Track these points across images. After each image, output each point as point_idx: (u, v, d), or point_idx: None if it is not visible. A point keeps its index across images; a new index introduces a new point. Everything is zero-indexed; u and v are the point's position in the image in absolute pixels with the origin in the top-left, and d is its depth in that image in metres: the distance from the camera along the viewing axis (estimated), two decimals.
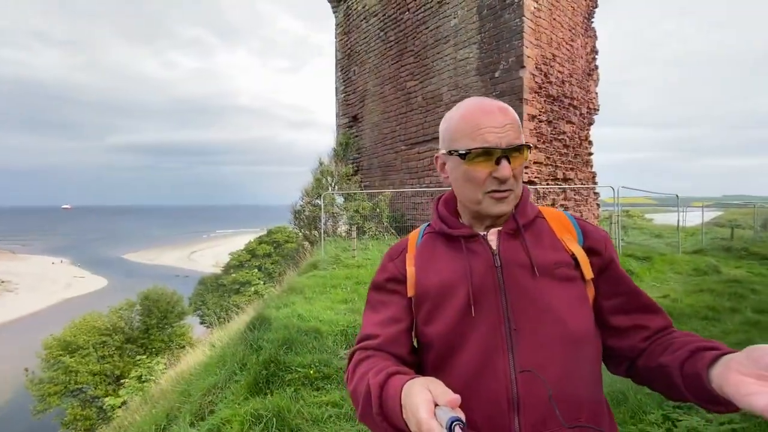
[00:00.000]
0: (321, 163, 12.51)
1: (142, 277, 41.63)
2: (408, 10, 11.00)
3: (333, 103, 14.18)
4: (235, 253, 31.11)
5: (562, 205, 10.24)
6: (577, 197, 10.49)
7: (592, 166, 11.10)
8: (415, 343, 0.90)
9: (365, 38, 12.59)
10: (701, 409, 2.42)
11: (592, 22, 11.33)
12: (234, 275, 27.29)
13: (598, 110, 11.59)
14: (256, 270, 27.58)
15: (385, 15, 11.77)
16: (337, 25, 13.94)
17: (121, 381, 13.48)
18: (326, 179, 12.11)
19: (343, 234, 11.15)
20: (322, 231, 8.85)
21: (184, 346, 15.35)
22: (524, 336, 0.76)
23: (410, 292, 0.87)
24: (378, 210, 10.25)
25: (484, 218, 0.86)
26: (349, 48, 13.38)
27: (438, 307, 0.82)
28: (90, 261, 61.84)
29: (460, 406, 0.59)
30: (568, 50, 10.26)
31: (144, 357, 13.79)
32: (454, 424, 0.54)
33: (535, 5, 9.02)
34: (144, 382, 9.19)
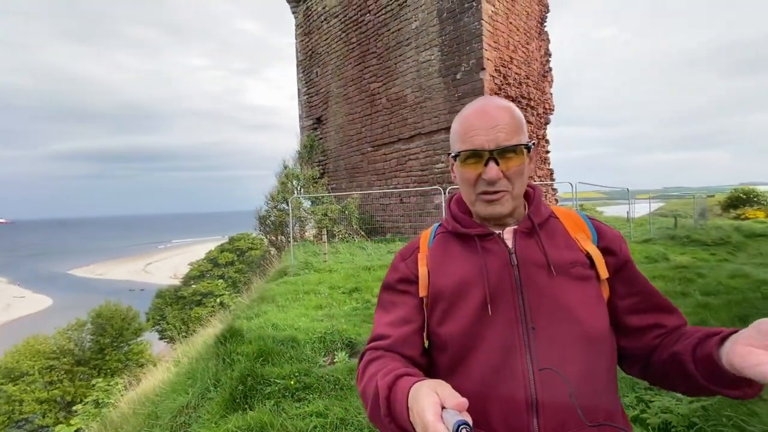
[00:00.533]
0: (285, 167, 12.23)
1: (92, 293, 38.74)
2: (369, 12, 11.02)
3: (296, 105, 13.93)
4: (195, 263, 29.76)
5: None
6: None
7: (549, 164, 11.64)
8: (426, 345, 0.88)
9: (326, 39, 12.46)
10: (672, 391, 2.58)
11: (545, 26, 11.88)
12: (195, 286, 26.08)
13: (553, 110, 12.16)
14: (219, 280, 26.51)
15: (346, 16, 11.71)
16: (296, 26, 13.71)
17: (74, 408, 12.46)
18: (292, 183, 11.86)
19: (312, 238, 10.96)
20: (292, 236, 8.63)
21: (143, 365, 14.44)
22: (542, 335, 0.76)
23: (422, 293, 0.86)
24: (347, 212, 10.16)
25: (486, 218, 0.86)
26: (310, 49, 13.19)
27: (453, 307, 0.81)
28: (31, 279, 56.77)
29: (473, 408, 0.58)
30: (524, 53, 10.69)
31: (99, 379, 12.84)
32: (461, 427, 0.53)
33: (493, 9, 9.32)
34: (101, 406, 8.53)
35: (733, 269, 6.85)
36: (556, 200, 11.65)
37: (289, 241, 8.64)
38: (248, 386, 3.01)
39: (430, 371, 0.86)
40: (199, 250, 45.76)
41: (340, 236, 9.85)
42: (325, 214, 10.16)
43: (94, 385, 10.71)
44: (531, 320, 0.77)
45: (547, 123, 11.52)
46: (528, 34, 10.85)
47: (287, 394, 2.96)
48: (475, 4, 8.94)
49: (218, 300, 22.36)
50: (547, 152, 11.62)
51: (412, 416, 0.61)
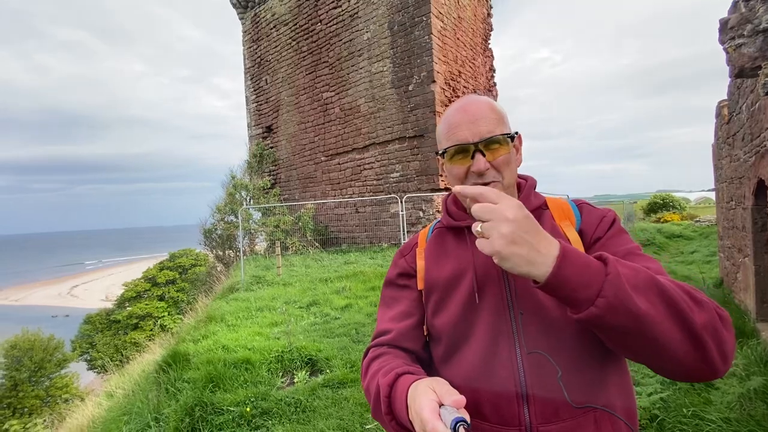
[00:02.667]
0: (233, 177, 11.64)
1: (6, 322, 34.04)
2: (320, 21, 10.93)
3: (243, 115, 13.39)
4: (131, 283, 27.26)
5: None
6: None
7: None
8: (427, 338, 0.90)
9: (276, 47, 12.17)
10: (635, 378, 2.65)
11: (489, 43, 12.53)
12: (130, 309, 23.83)
13: None
14: (158, 301, 24.49)
15: (296, 25, 11.53)
16: (244, 32, 13.27)
17: None
18: (240, 194, 11.30)
19: (263, 251, 10.45)
20: (242, 250, 8.15)
21: (68, 400, 12.81)
22: (530, 321, 0.75)
23: (420, 285, 0.88)
24: (301, 223, 9.84)
25: None
26: (258, 56, 12.80)
27: (445, 298, 0.83)
28: None
29: (466, 397, 0.60)
30: (471, 68, 11.15)
31: (14, 421, 11.16)
32: (458, 424, 0.54)
33: (441, 24, 9.64)
34: None
35: None
36: None
37: (239, 256, 8.15)
38: (196, 417, 2.70)
39: (431, 363, 0.87)
40: (136, 269, 42.20)
41: (294, 248, 9.50)
42: (278, 226, 9.75)
43: (7, 430, 9.31)
44: (518, 307, 0.77)
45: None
46: (474, 50, 11.36)
47: (242, 422, 2.68)
48: (425, 19, 9.19)
49: (158, 323, 20.63)
50: None
51: (410, 414, 0.62)
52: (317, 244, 9.81)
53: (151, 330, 20.88)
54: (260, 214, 10.93)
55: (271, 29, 12.24)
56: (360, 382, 3.36)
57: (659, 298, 0.60)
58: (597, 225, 0.83)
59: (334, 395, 2.99)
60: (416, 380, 0.66)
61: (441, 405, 0.59)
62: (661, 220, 19.56)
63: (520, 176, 0.89)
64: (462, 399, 0.58)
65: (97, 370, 19.35)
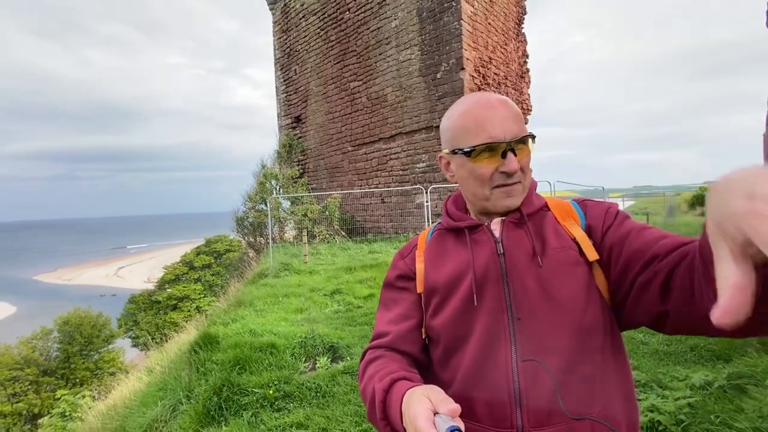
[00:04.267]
0: (264, 167, 11.95)
1: (59, 299, 36.93)
2: (348, 9, 10.88)
3: (274, 104, 13.64)
4: (170, 266, 28.77)
5: None
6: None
7: None
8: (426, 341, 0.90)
9: (305, 37, 12.25)
10: (657, 388, 2.57)
11: (523, 27, 12.04)
12: (170, 290, 25.20)
13: (531, 111, 12.35)
14: (195, 283, 25.74)
15: (324, 14, 11.53)
16: (274, 23, 13.43)
17: (39, 420, 11.79)
18: (270, 183, 11.59)
19: (291, 239, 10.73)
20: (271, 237, 8.40)
21: (114, 373, 13.83)
22: (527, 324, 0.75)
23: (419, 288, 0.87)
24: (327, 213, 10.00)
25: (491, 214, 0.85)
26: (288, 47, 12.94)
27: (445, 299, 0.82)
28: None
29: (461, 400, 0.60)
30: (503, 54, 10.79)
31: (65, 390, 12.19)
32: None
33: (472, 9, 9.35)
34: (68, 419, 8.07)
35: None
36: None
37: (268, 243, 8.41)
38: (223, 397, 2.86)
39: (430, 366, 0.87)
40: (174, 252, 44.41)
41: (321, 237, 9.69)
42: (305, 215, 9.96)
43: (59, 398, 10.17)
44: (516, 310, 0.76)
45: (525, 123, 11.68)
46: (506, 35, 10.97)
47: (266, 404, 2.82)
48: (454, 4, 8.94)
49: (194, 304, 21.72)
50: None
51: (405, 421, 0.62)
52: (343, 233, 9.96)
53: (189, 311, 22.04)
54: (289, 203, 11.19)
55: (300, 19, 12.31)
56: None
57: None
58: (604, 216, 0.81)
59: (353, 382, 3.08)
60: (412, 387, 0.66)
61: (436, 413, 0.58)
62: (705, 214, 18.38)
63: None
64: (457, 408, 0.58)
65: (140, 346, 20.71)
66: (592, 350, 0.75)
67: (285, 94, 13.20)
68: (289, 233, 11.37)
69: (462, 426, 0.56)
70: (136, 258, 75.89)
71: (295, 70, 12.71)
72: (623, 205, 17.38)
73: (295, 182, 11.67)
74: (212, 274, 26.33)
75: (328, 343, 3.74)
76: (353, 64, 10.82)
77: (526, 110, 11.80)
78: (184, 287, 25.04)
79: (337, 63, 11.23)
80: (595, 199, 0.88)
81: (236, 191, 11.83)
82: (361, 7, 10.54)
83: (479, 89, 9.55)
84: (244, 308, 5.12)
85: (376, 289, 5.46)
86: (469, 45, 9.15)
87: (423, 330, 0.87)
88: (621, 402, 0.76)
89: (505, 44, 10.89)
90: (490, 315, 0.77)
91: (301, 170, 12.45)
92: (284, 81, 13.18)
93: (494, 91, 10.60)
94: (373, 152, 10.50)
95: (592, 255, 0.78)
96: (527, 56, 12.37)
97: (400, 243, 8.78)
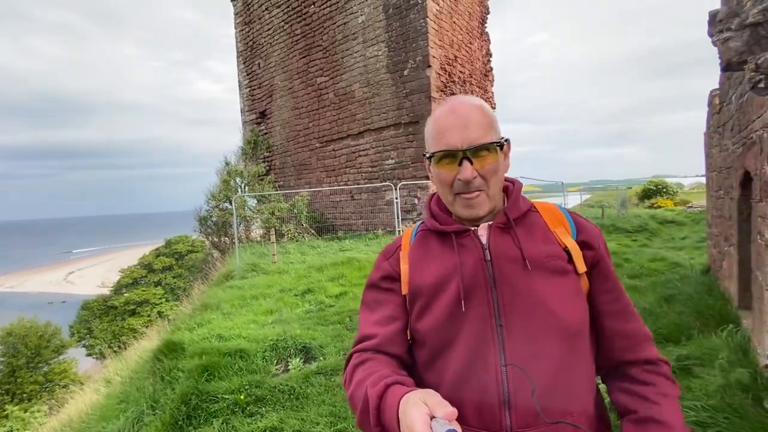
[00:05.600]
0: (228, 164, 11.53)
1: (1, 308, 34.09)
2: (313, 3, 10.67)
3: (238, 99, 13.20)
4: (127, 269, 27.27)
5: None
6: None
7: None
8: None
9: (269, 30, 11.91)
10: None
11: (486, 27, 12.31)
12: (127, 295, 23.91)
13: (495, 108, 12.68)
14: (155, 287, 24.56)
15: (288, 7, 11.26)
16: (236, 14, 12.96)
17: None
18: (235, 181, 11.21)
19: (258, 239, 10.45)
20: (236, 237, 8.14)
21: (67, 386, 12.95)
22: (514, 329, 0.76)
23: (404, 290, 0.87)
24: (296, 211, 9.82)
25: (464, 219, 0.85)
26: (251, 39, 12.53)
27: (430, 303, 0.82)
28: None
29: (449, 402, 0.61)
30: (468, 52, 10.99)
31: (13, 406, 11.28)
32: None
33: (437, 8, 9.44)
34: None
35: (652, 253, 7.59)
36: None
37: (234, 243, 8.15)
38: (192, 406, 2.74)
39: (414, 368, 0.87)
40: (132, 255, 42.14)
41: (290, 236, 9.50)
42: (273, 213, 9.73)
43: (7, 415, 9.41)
44: (503, 316, 0.77)
45: (493, 129, 11.98)
46: (470, 34, 11.17)
47: (237, 410, 2.73)
48: (420, 2, 9.00)
49: (155, 309, 20.74)
50: None
51: (401, 427, 0.61)
52: (313, 232, 9.82)
53: (149, 316, 21.01)
54: (255, 201, 10.89)
55: (264, 11, 11.95)
56: None
57: None
58: (599, 241, 0.85)
59: (327, 382, 3.05)
60: (407, 392, 0.65)
61: (432, 417, 0.59)
62: (655, 206, 19.70)
63: (506, 179, 0.88)
64: (454, 411, 0.58)
65: (95, 356, 19.53)
66: (578, 354, 0.77)
67: (249, 89, 12.80)
68: (256, 232, 11.06)
69: (459, 429, 0.56)
70: (89, 261, 71.30)
71: (259, 63, 12.35)
72: (581, 198, 18.27)
73: (261, 180, 11.36)
74: (174, 277, 25.24)
75: (300, 344, 3.68)
76: (319, 59, 10.65)
77: (491, 108, 12.11)
78: (143, 291, 23.83)
79: (303, 57, 11.02)
80: (582, 216, 0.90)
81: (198, 189, 11.37)
82: (326, 2, 10.38)
83: (445, 87, 9.68)
84: (211, 312, 4.94)
85: (348, 288, 5.43)
86: (435, 43, 9.25)
87: (408, 332, 0.87)
88: (593, 399, 0.81)
89: (470, 43, 11.10)
90: (477, 320, 0.77)
91: (267, 167, 12.14)
92: (247, 75, 12.78)
93: (459, 89, 10.76)
94: (341, 149, 10.41)
95: (581, 267, 0.81)
96: (490, 55, 12.67)
97: (371, 240, 8.77)
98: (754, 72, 1.61)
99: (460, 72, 10.42)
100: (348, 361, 0.86)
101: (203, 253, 16.51)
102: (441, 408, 0.59)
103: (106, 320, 22.38)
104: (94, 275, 53.90)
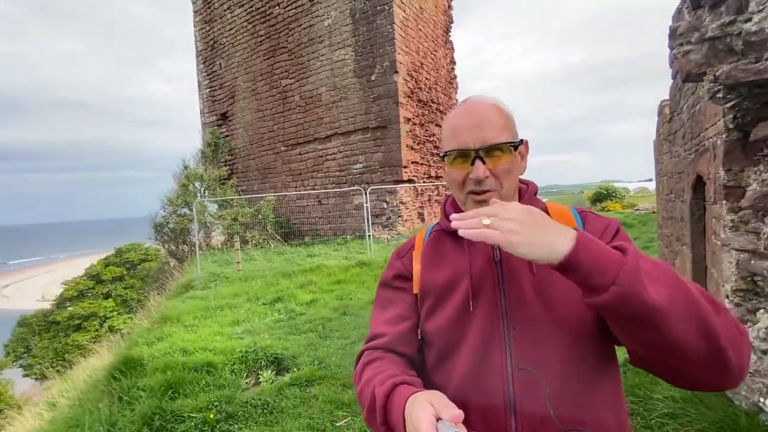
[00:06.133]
0: (186, 167, 11.00)
1: None
2: (278, 5, 10.47)
3: (195, 99, 12.65)
4: (71, 281, 25.20)
5: (436, 201, 11.16)
6: (448, 193, 11.65)
7: None
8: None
9: (231, 30, 11.54)
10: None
11: (450, 35, 12.63)
12: (72, 309, 22.09)
13: None
14: (105, 299, 22.87)
15: (252, 7, 10.97)
16: (195, 12, 12.45)
17: None
18: (194, 185, 10.71)
19: (220, 246, 10.01)
20: (197, 244, 7.75)
21: (2, 410, 11.69)
22: (522, 332, 0.75)
23: (416, 289, 0.86)
24: (261, 216, 9.51)
25: None
26: (211, 39, 12.08)
27: (439, 303, 0.82)
28: None
29: (455, 404, 0.60)
30: (433, 59, 11.21)
31: None
32: None
33: (404, 15, 9.57)
34: None
35: None
36: None
37: (194, 251, 7.75)
38: (155, 427, 2.54)
39: (423, 369, 0.86)
40: (77, 265, 39.10)
41: (254, 242, 9.19)
42: (236, 219, 9.37)
43: None
44: (511, 318, 0.76)
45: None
46: (435, 42, 11.41)
47: (206, 428, 2.56)
48: (387, 8, 9.07)
49: (105, 323, 19.32)
50: None
51: (407, 427, 0.61)
52: (279, 238, 9.55)
53: (97, 331, 19.51)
54: (216, 207, 10.45)
55: (225, 10, 11.58)
56: (328, 379, 3.33)
57: (678, 294, 0.59)
58: (602, 232, 0.82)
59: (302, 394, 2.93)
60: (414, 392, 0.65)
61: (438, 419, 0.58)
62: (606, 209, 21.01)
63: (521, 181, 0.88)
64: (460, 414, 0.58)
65: (34, 376, 17.85)
66: (587, 359, 0.75)
67: (209, 90, 12.32)
68: (217, 239, 10.61)
69: None
70: (27, 273, 65.27)
71: (220, 64, 11.92)
72: None
73: (223, 184, 10.93)
74: (125, 288, 23.61)
75: (271, 355, 3.53)
76: (285, 61, 10.45)
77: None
78: (90, 304, 22.06)
79: (267, 59, 10.77)
80: (596, 213, 0.88)
81: (151, 195, 10.76)
82: (291, 3, 10.23)
83: (412, 93, 9.80)
84: (171, 325, 4.64)
85: (319, 294, 5.30)
86: (402, 49, 9.35)
87: (419, 331, 0.86)
88: (612, 409, 0.77)
89: (435, 50, 11.33)
90: (485, 321, 0.76)
91: (229, 171, 11.70)
92: (207, 75, 12.30)
93: (426, 95, 10.93)
94: (308, 152, 10.24)
95: None
96: (454, 63, 13.01)
97: (340, 245, 8.65)
98: (712, 83, 1.74)
99: (426, 78, 10.60)
100: (358, 358, 0.87)
101: (158, 262, 15.62)
102: (447, 410, 0.59)
103: (47, 337, 20.53)
104: (33, 288, 49.40)
